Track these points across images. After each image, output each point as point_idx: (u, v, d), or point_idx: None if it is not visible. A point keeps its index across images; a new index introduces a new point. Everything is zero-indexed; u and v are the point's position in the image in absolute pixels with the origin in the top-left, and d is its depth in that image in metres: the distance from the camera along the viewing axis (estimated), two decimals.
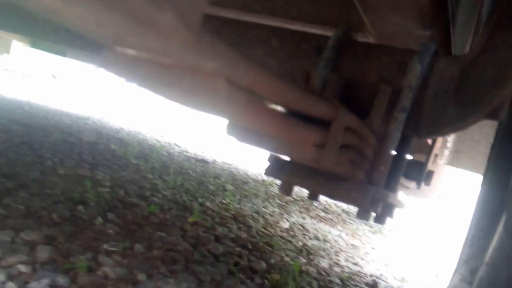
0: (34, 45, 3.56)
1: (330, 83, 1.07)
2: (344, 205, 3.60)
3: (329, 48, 1.08)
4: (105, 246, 1.20)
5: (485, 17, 1.16)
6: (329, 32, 1.17)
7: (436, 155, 2.17)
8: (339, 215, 3.16)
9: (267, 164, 1.02)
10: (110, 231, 1.32)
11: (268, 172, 1.02)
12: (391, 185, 1.13)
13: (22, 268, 0.96)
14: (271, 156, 1.03)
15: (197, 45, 0.33)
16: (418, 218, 4.71)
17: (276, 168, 1.01)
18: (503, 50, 1.03)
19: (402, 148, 1.12)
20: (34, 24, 1.70)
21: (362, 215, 0.99)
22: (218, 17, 1.30)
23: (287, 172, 1.00)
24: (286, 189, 1.02)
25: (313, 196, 1.11)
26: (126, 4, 0.26)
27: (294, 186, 1.02)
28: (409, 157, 1.64)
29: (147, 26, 0.29)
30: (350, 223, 3.02)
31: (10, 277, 0.92)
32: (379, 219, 1.10)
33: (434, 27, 1.09)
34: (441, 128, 1.07)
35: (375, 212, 1.00)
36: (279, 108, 0.56)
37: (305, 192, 3.60)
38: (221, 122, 7.72)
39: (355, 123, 0.82)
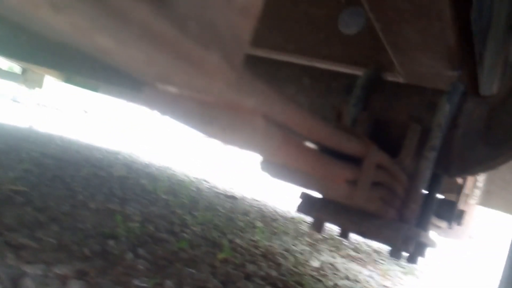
0: (67, 80, 3.67)
1: (361, 121, 1.07)
2: (375, 245, 3.52)
3: (359, 87, 1.09)
4: (135, 281, 1.19)
5: None
6: (359, 72, 1.19)
7: (467, 195, 2.12)
8: (370, 255, 3.09)
9: (299, 201, 1.02)
10: (141, 267, 1.32)
11: (300, 209, 1.02)
12: (422, 224, 1.11)
13: None
14: (302, 193, 1.03)
15: (238, 83, 0.34)
16: (449, 259, 4.57)
17: (307, 205, 1.01)
18: None
19: (432, 187, 1.11)
20: (71, 60, 1.76)
21: (395, 254, 0.97)
22: (250, 56, 1.33)
23: (318, 209, 1.00)
24: (317, 226, 1.01)
25: (344, 234, 1.09)
26: (176, 45, 0.27)
27: (325, 223, 1.02)
28: (440, 196, 1.61)
29: (193, 65, 0.30)
30: (381, 263, 2.95)
31: None
32: (411, 259, 1.08)
33: (462, 69, 1.09)
34: (471, 167, 1.06)
35: (407, 251, 0.98)
36: (312, 145, 0.57)
37: (335, 231, 3.55)
38: (249, 159, 7.74)
39: (386, 161, 0.81)
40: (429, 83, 1.14)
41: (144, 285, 1.19)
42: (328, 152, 0.64)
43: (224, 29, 0.30)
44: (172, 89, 0.43)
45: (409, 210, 0.98)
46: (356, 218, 0.97)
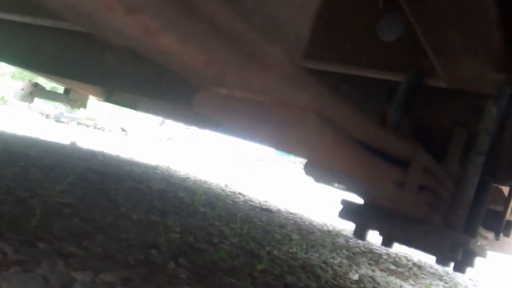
0: (107, 99, 3.77)
1: (403, 126, 1.07)
2: (415, 259, 3.45)
3: (401, 92, 1.09)
4: None
5: None
6: (400, 78, 1.18)
7: None
8: (410, 268, 3.03)
9: (341, 207, 1.02)
10: (183, 275, 1.34)
11: (342, 215, 1.02)
12: (470, 231, 1.08)
13: None
14: (343, 200, 1.03)
15: (293, 79, 0.35)
16: (496, 274, 4.43)
17: (350, 211, 1.01)
18: None
19: (481, 194, 1.08)
20: (113, 76, 1.82)
21: (441, 261, 0.95)
22: None
23: (361, 216, 0.99)
24: (361, 233, 1.00)
25: (387, 243, 1.08)
26: (241, 39, 0.28)
27: (369, 230, 1.01)
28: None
29: (253, 61, 0.31)
30: (423, 277, 2.89)
31: None
32: (459, 268, 1.05)
33: (508, 71, 1.07)
34: None
35: (455, 259, 0.96)
36: (359, 145, 0.57)
37: (374, 244, 3.50)
38: (282, 172, 7.73)
39: (432, 164, 0.81)
40: (472, 87, 1.12)
41: None
42: (374, 153, 0.64)
43: (285, 24, 0.31)
44: (225, 91, 0.45)
45: (457, 216, 0.97)
46: (401, 224, 0.96)
